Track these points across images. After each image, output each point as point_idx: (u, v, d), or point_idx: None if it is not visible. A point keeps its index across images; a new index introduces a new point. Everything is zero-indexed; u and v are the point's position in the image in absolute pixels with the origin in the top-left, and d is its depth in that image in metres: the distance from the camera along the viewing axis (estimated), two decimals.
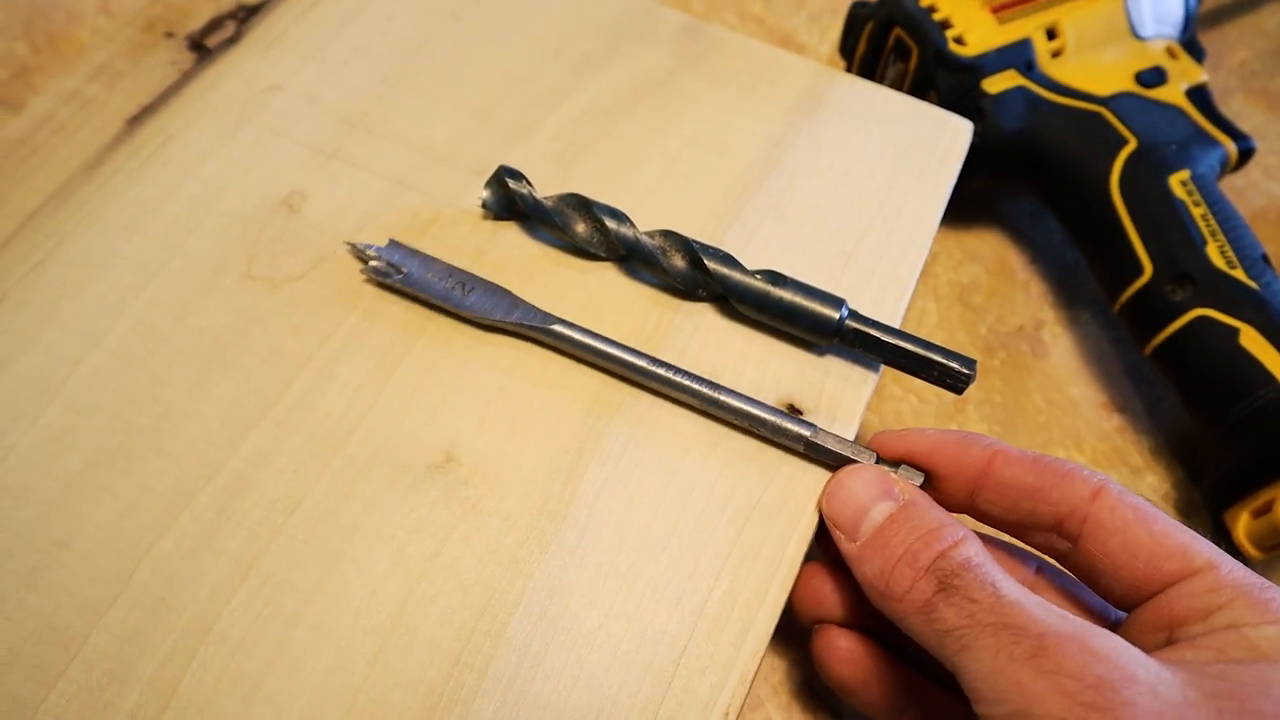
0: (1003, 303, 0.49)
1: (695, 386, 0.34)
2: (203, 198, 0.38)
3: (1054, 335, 0.48)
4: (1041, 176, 0.45)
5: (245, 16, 0.43)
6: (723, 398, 0.33)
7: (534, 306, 0.35)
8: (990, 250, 0.50)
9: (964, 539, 0.29)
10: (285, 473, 0.32)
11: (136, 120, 0.40)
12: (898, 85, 0.47)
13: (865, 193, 0.40)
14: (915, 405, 0.45)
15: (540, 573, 0.31)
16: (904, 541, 0.30)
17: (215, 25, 0.43)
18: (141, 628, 0.30)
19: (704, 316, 0.36)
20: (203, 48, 0.42)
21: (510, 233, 0.38)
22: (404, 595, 0.31)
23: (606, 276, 0.37)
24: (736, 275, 0.35)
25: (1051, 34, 0.45)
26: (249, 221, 0.37)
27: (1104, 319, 0.48)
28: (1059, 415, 0.46)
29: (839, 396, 0.35)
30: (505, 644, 0.30)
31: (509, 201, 0.37)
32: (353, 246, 0.36)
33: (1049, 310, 0.49)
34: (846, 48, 0.50)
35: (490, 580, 0.31)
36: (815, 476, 0.34)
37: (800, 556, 0.32)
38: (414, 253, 0.36)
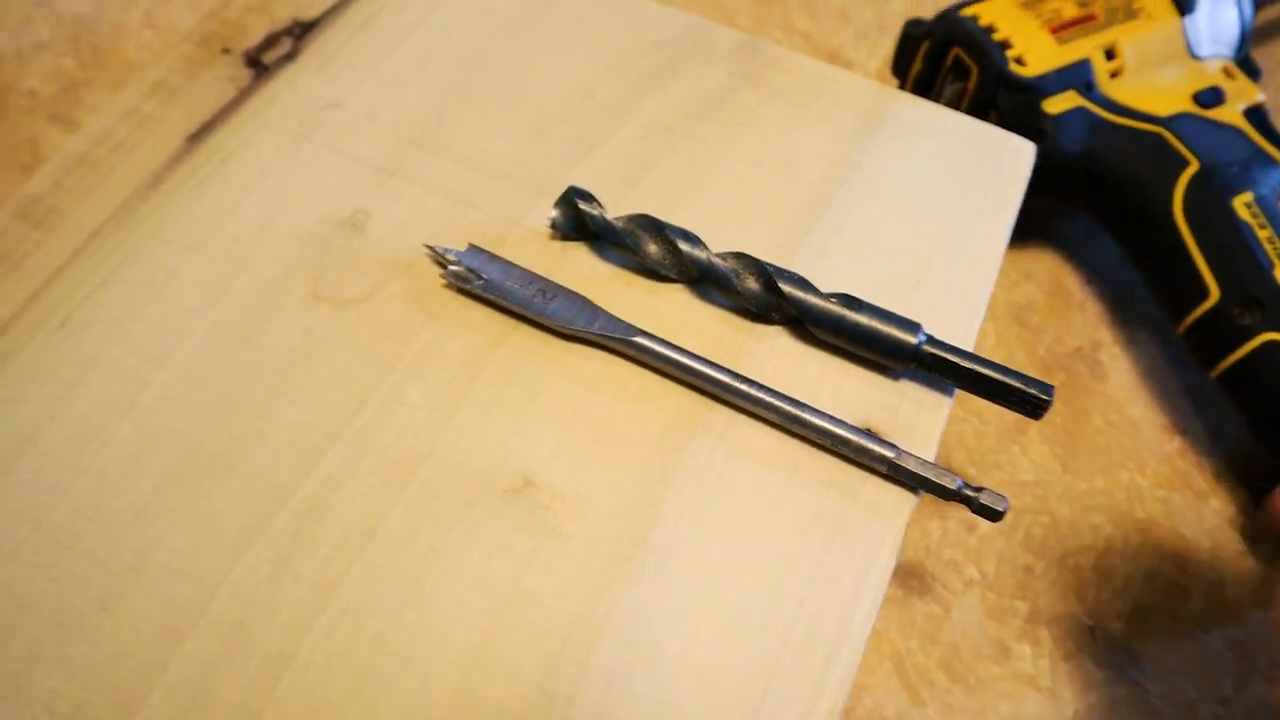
0: (1059, 323, 0.49)
1: (779, 404, 0.34)
2: (265, 216, 0.38)
3: (1112, 356, 0.49)
4: (1101, 198, 0.46)
5: (301, 33, 0.44)
6: (806, 416, 0.34)
7: (616, 317, 0.35)
8: (1045, 270, 0.51)
9: None
10: (359, 496, 0.33)
11: (195, 137, 0.40)
12: (955, 105, 0.47)
13: (932, 215, 0.40)
14: (977, 426, 0.46)
15: (624, 599, 0.32)
16: None
17: (271, 41, 0.43)
18: (222, 654, 0.30)
19: (777, 340, 0.37)
20: (260, 64, 0.43)
21: (579, 253, 0.38)
22: (487, 623, 0.31)
23: (678, 298, 0.37)
24: (812, 299, 0.35)
25: (1110, 54, 0.46)
26: (312, 241, 0.38)
27: (1161, 339, 0.49)
28: (1120, 438, 0.46)
29: (914, 420, 0.36)
30: (591, 672, 0.31)
31: (578, 222, 0.37)
32: (432, 250, 0.37)
33: (1106, 331, 0.49)
34: (900, 66, 0.50)
35: (573, 607, 0.31)
36: (897, 498, 0.34)
37: (885, 581, 0.33)
38: (494, 258, 0.36)
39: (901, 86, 0.52)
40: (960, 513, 0.45)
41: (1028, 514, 0.45)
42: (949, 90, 0.47)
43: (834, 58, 0.56)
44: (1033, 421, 0.47)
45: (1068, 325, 0.49)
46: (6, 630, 0.30)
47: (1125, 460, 0.46)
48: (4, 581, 0.31)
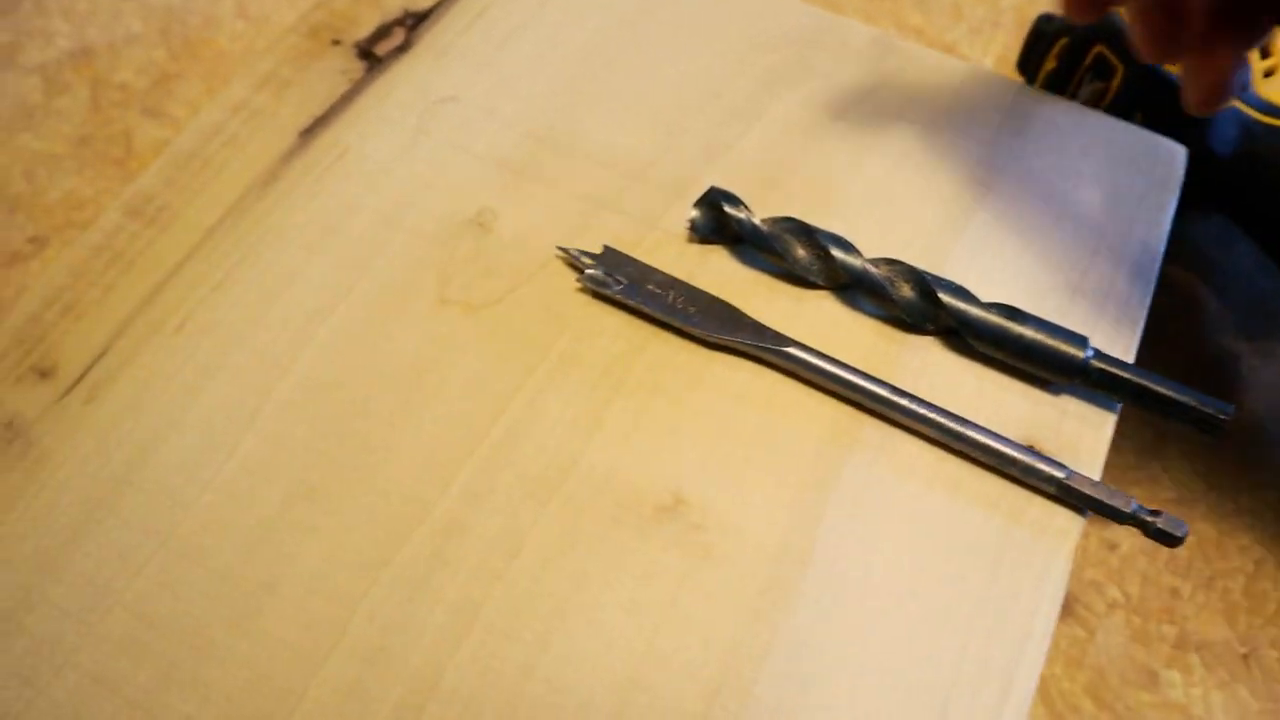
0: (1193, 334, 0.47)
1: (940, 419, 0.32)
2: (386, 215, 0.37)
3: (1251, 369, 0.47)
4: (1250, 202, 0.44)
5: (414, 24, 0.42)
6: (969, 432, 0.32)
7: (765, 326, 0.33)
8: (1176, 277, 0.49)
9: None
10: (501, 514, 0.31)
11: (309, 132, 0.39)
12: (1093, 105, 0.45)
13: (1086, 221, 0.38)
14: (1114, 441, 0.44)
15: (785, 625, 0.30)
16: None
17: (383, 33, 0.42)
18: (362, 681, 0.29)
19: (931, 351, 0.35)
20: (372, 56, 0.41)
21: (719, 257, 0.36)
22: (641, 649, 0.29)
23: (825, 305, 0.35)
24: (973, 310, 0.34)
25: (1265, 53, 0.44)
26: (438, 241, 0.36)
27: None
28: (1264, 454, 0.44)
29: (1079, 437, 0.34)
30: (753, 704, 0.29)
31: (719, 224, 0.36)
32: (565, 253, 0.35)
33: (1243, 342, 0.47)
34: (1029, 64, 0.48)
35: (732, 634, 0.30)
36: (1065, 520, 0.32)
37: (1056, 610, 0.31)
38: (631, 261, 0.34)
39: (1029, 85, 0.50)
40: (1099, 531, 0.43)
41: None
42: (1086, 90, 0.45)
43: (948, 54, 0.54)
44: (1170, 434, 0.45)
45: (1202, 336, 0.47)
46: (138, 650, 0.29)
47: (1273, 478, 0.44)
48: (133, 599, 0.30)
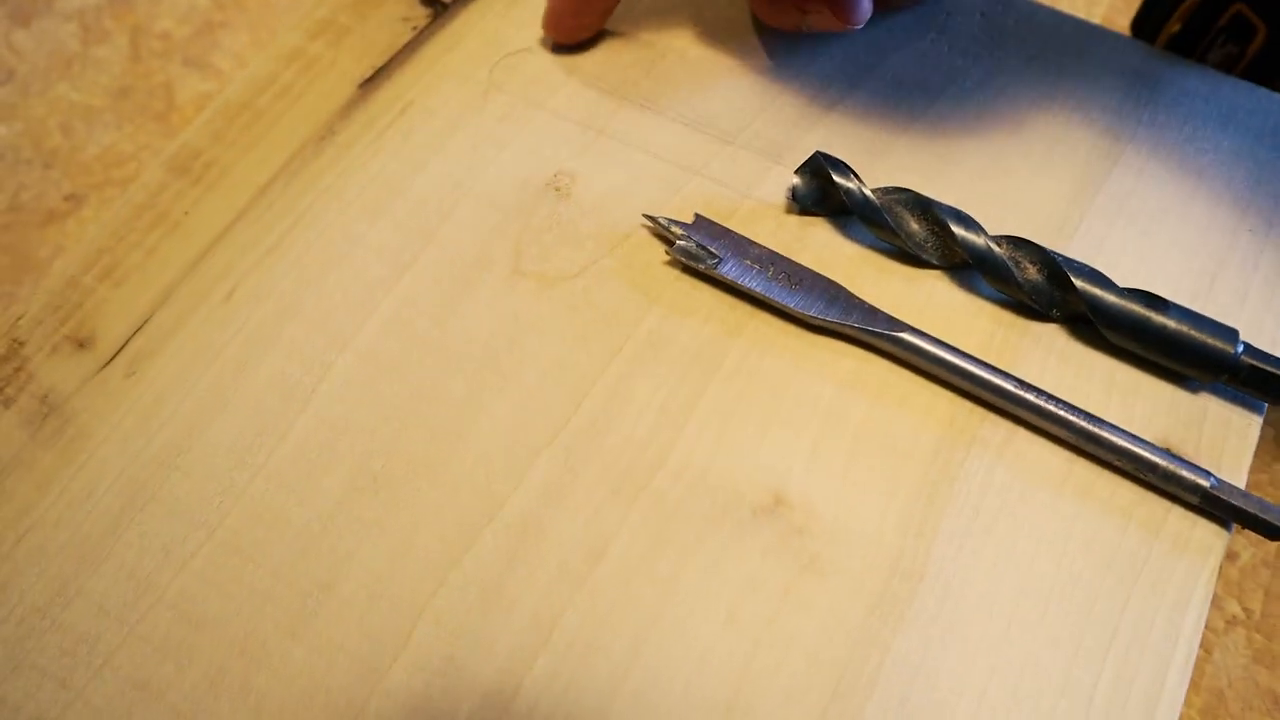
0: None
1: (1071, 418, 0.29)
2: (454, 177, 0.34)
3: None
4: None
5: None
6: (1104, 433, 0.29)
7: (875, 308, 0.30)
8: None
9: None
10: (583, 512, 0.28)
11: (370, 84, 0.36)
12: (1223, 70, 0.41)
13: (1224, 199, 0.35)
14: None
15: (898, 646, 0.27)
16: None
17: None
18: (429, 694, 0.26)
19: (1056, 340, 0.32)
20: (438, 2, 0.38)
21: (821, 230, 0.33)
22: (740, 666, 0.26)
23: (939, 286, 0.32)
24: (1110, 297, 0.30)
25: None
26: (511, 207, 0.33)
27: None
28: None
29: (1220, 442, 0.31)
30: None
31: (823, 194, 0.32)
32: (653, 221, 0.32)
33: None
34: (1149, 24, 0.44)
35: (839, 654, 0.27)
36: (1208, 534, 0.29)
37: (1199, 632, 0.28)
38: (726, 232, 0.31)
39: None
40: None
41: None
42: (1217, 53, 0.41)
43: None
44: None
45: None
46: (183, 653, 0.26)
47: None
48: (177, 596, 0.27)
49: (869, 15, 0.32)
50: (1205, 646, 0.37)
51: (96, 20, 0.47)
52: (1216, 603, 0.38)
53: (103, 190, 0.42)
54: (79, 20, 0.47)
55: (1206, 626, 0.38)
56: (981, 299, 0.32)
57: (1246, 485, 0.31)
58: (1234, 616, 0.38)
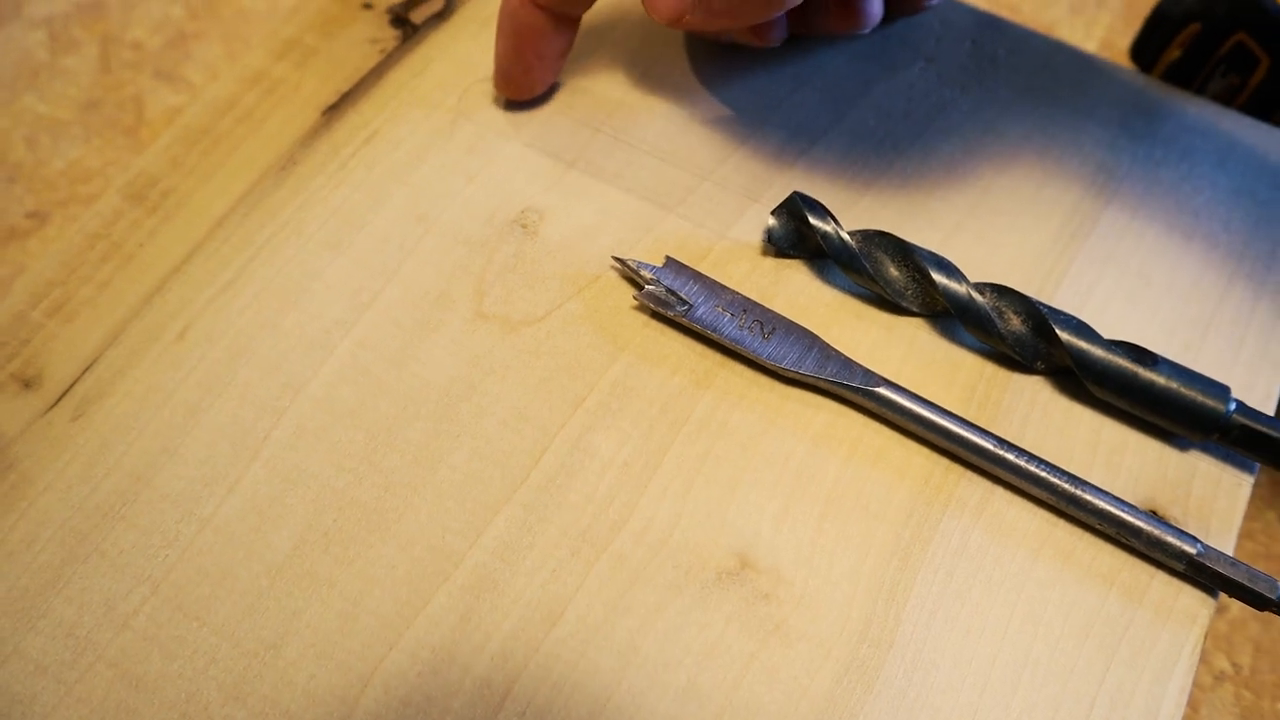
0: None
1: (1052, 479, 0.28)
2: (418, 211, 0.33)
3: None
4: None
5: None
6: (1086, 496, 0.28)
7: (851, 360, 0.29)
8: None
9: None
10: (540, 572, 0.27)
11: (334, 110, 0.35)
12: (1223, 102, 0.40)
13: (1221, 241, 0.34)
14: None
15: (866, 717, 0.26)
16: None
17: None
18: None
19: (1040, 393, 0.31)
20: (407, 23, 0.37)
21: (798, 273, 0.32)
22: None
23: (919, 335, 0.31)
24: (1095, 350, 0.29)
25: None
26: (476, 244, 0.32)
27: None
28: None
29: (1210, 502, 0.30)
30: None
31: (798, 237, 0.31)
32: (622, 264, 0.31)
33: None
34: (1147, 52, 0.43)
35: None
36: (1193, 601, 0.28)
37: (1182, 706, 0.27)
38: (698, 276, 0.30)
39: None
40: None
41: None
42: (1218, 84, 0.40)
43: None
44: None
45: None
46: (123, 715, 0.26)
47: None
48: (118, 655, 0.26)
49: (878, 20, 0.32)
50: (1192, 704, 0.36)
51: (65, 29, 0.46)
52: (1205, 658, 0.37)
53: (67, 207, 0.42)
54: (47, 28, 0.46)
55: (1194, 683, 0.37)
56: (963, 348, 0.31)
57: (1237, 542, 0.30)
58: (1222, 672, 0.37)
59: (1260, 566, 0.39)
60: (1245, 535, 0.39)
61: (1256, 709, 0.36)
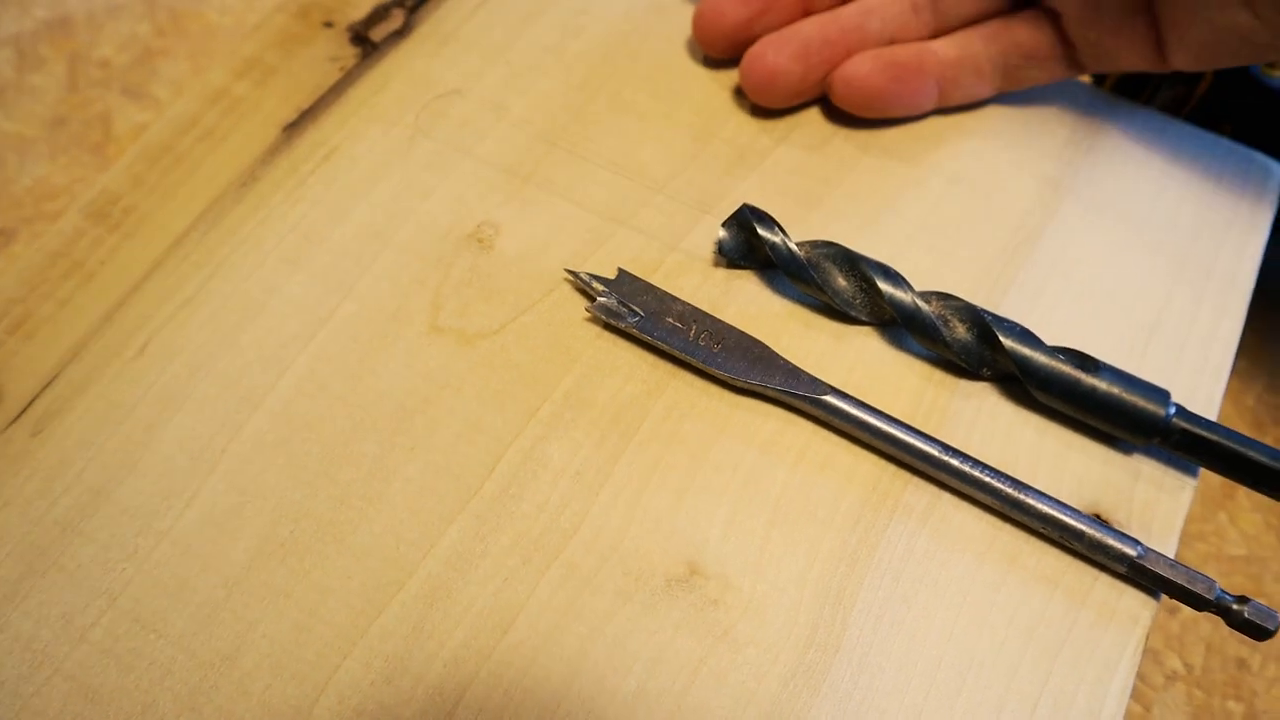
0: (1272, 368, 0.43)
1: (997, 484, 0.29)
2: (375, 227, 0.33)
3: None
4: None
5: (415, 5, 0.38)
6: (1030, 500, 0.29)
7: (800, 370, 0.30)
8: (1255, 308, 0.44)
9: None
10: (493, 581, 0.28)
11: (294, 127, 0.35)
12: (1171, 112, 0.41)
13: (1165, 249, 0.34)
14: None
15: None
16: None
17: (380, 14, 0.38)
18: None
19: (986, 399, 0.31)
20: (367, 41, 0.37)
21: (748, 284, 0.33)
22: None
23: (868, 344, 0.32)
24: (1038, 357, 0.30)
25: None
26: (432, 259, 0.33)
27: None
28: None
29: (1152, 506, 0.30)
30: None
31: (748, 248, 0.32)
32: (575, 276, 0.31)
33: None
34: None
35: None
36: (1135, 603, 0.29)
37: (1123, 705, 0.27)
38: (649, 288, 0.31)
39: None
40: None
41: None
42: (1165, 94, 0.41)
43: None
44: (1241, 486, 0.41)
45: None
46: None
47: None
48: (75, 668, 0.27)
49: None
50: (1144, 703, 0.37)
51: (33, 46, 0.46)
52: (1156, 658, 0.38)
53: (33, 224, 0.42)
54: (14, 46, 0.46)
55: (1145, 682, 0.38)
56: (911, 356, 0.32)
57: (1185, 544, 0.31)
58: (1174, 671, 0.37)
59: (1211, 568, 0.39)
60: (1197, 537, 0.40)
61: (1208, 708, 0.37)
